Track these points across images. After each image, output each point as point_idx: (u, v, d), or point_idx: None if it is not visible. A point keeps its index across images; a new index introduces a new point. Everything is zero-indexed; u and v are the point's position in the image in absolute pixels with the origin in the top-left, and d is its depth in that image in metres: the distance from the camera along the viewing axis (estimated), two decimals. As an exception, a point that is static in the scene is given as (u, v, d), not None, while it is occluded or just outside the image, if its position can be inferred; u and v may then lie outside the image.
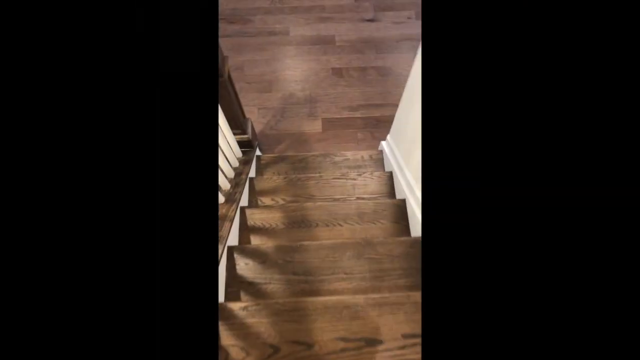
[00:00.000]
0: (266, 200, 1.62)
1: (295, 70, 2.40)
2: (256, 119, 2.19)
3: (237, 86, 2.33)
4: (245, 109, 2.25)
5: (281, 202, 1.62)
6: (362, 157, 1.89)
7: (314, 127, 2.17)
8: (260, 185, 1.66)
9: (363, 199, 1.63)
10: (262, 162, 1.88)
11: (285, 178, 1.67)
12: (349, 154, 1.90)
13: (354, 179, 1.67)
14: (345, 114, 2.21)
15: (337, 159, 1.88)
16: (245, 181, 1.57)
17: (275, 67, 2.41)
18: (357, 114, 2.21)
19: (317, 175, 1.68)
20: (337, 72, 2.38)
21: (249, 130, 1.75)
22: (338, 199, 1.63)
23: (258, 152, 1.94)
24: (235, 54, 2.47)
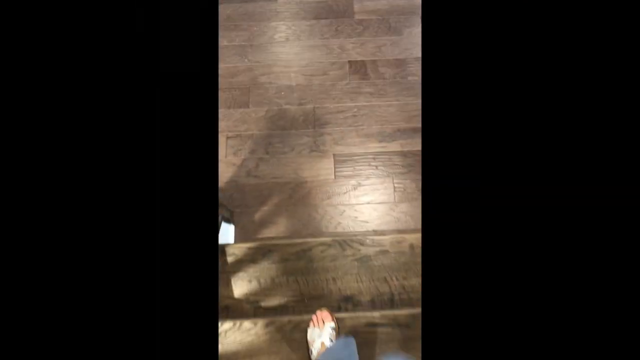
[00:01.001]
0: (231, 377, 0.81)
1: (288, 66, 1.45)
2: (224, 158, 1.30)
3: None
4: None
5: (262, 380, 0.81)
6: (412, 245, 1.05)
7: (321, 169, 1.29)
8: (221, 345, 0.84)
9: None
10: (230, 259, 1.04)
11: (270, 325, 0.84)
12: (387, 240, 1.05)
13: (408, 326, 0.84)
14: (372, 146, 1.32)
15: (364, 250, 1.04)
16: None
17: (256, 58, 1.47)
18: (393, 146, 1.32)
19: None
20: (359, 69, 1.44)
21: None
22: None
23: (227, 237, 1.10)
24: (188, 35, 1.50)
